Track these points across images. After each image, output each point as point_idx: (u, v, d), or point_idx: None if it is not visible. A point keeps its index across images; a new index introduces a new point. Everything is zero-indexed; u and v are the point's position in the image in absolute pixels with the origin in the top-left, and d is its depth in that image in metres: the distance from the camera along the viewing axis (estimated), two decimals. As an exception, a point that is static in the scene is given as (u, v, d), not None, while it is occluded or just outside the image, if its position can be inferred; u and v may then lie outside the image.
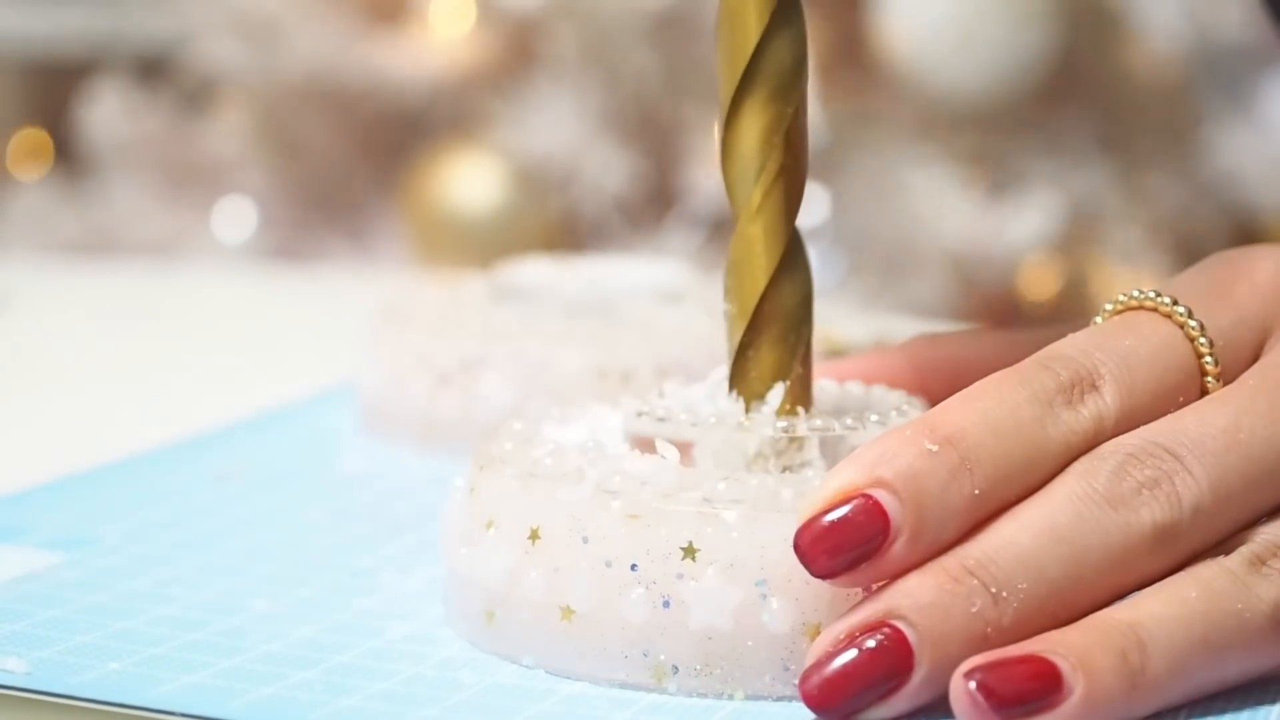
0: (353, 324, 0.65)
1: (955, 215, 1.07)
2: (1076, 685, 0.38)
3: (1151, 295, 0.44)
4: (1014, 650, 0.39)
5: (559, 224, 1.09)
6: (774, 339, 0.44)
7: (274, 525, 0.51)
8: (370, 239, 1.14)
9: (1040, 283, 1.09)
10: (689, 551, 0.40)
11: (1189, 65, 1.13)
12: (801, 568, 0.40)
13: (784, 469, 0.43)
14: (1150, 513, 0.40)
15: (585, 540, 0.41)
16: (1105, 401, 0.42)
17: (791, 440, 0.43)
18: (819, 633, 0.40)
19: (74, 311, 0.90)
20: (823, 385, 0.46)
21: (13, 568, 0.47)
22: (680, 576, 0.40)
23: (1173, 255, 1.10)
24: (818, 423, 0.43)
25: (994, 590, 0.39)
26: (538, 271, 0.63)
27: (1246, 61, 1.10)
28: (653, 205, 1.09)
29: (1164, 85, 1.13)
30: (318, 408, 0.64)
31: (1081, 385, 0.42)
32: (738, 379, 0.44)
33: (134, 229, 1.14)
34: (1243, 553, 0.41)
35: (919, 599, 0.39)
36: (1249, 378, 0.43)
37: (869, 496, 0.39)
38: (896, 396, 0.46)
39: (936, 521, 0.39)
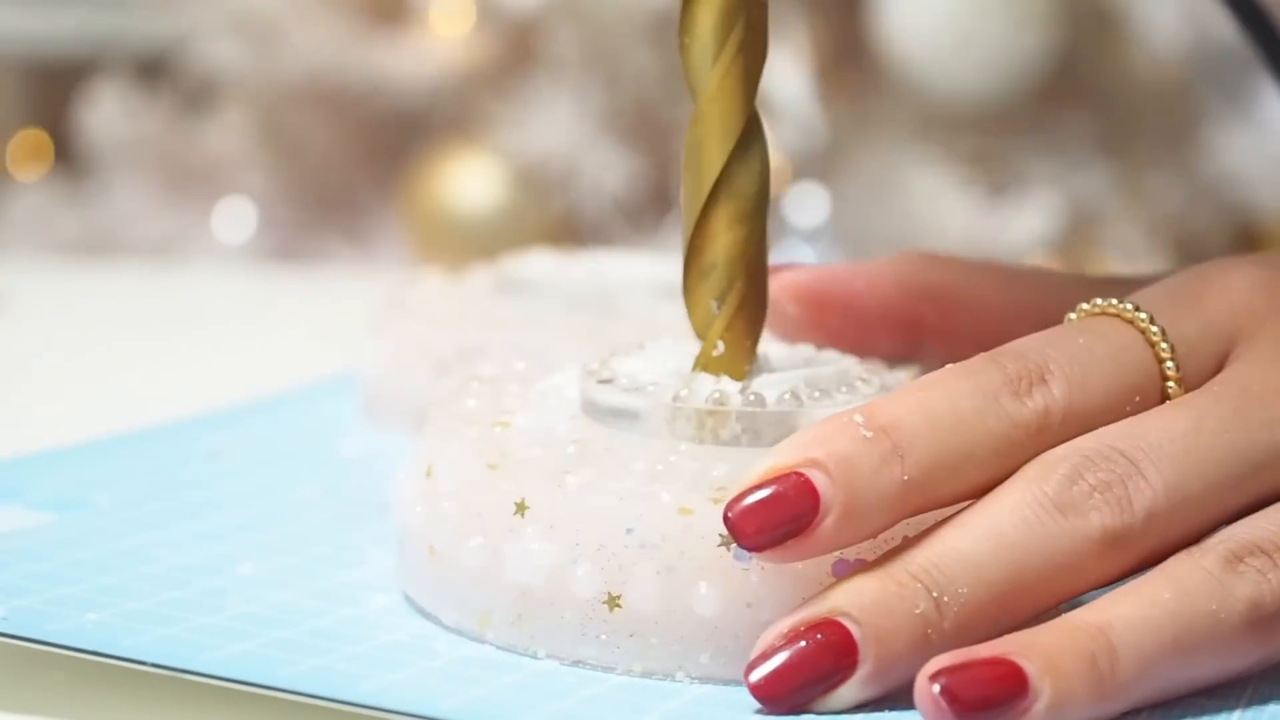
0: (353, 324, 0.65)
1: (955, 215, 1.07)
2: (1043, 690, 0.38)
3: (1114, 302, 0.44)
4: (982, 651, 0.39)
5: (559, 223, 1.09)
6: (729, 220, 0.44)
7: (265, 500, 0.52)
8: (370, 239, 1.14)
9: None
10: (520, 507, 0.42)
11: (1189, 66, 1.13)
12: (614, 538, 0.41)
13: (701, 441, 0.44)
14: (1100, 518, 0.40)
15: (455, 484, 0.43)
16: (1053, 395, 0.42)
17: (710, 414, 0.44)
18: (619, 604, 0.41)
19: (74, 311, 0.90)
20: (770, 350, 0.47)
21: (0, 524, 0.48)
22: (510, 530, 0.42)
23: (1173, 255, 1.09)
24: (715, 397, 0.44)
25: (935, 594, 0.39)
26: (540, 264, 0.63)
27: (1246, 62, 1.10)
28: (653, 205, 1.09)
29: (1164, 86, 1.13)
30: (318, 394, 0.65)
31: (1029, 378, 0.42)
32: (692, 262, 0.45)
33: (134, 229, 1.13)
34: (1219, 550, 0.41)
35: (862, 598, 0.40)
36: (1213, 384, 0.43)
37: (800, 474, 0.40)
38: (847, 365, 0.47)
39: (866, 504, 0.40)
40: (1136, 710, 0.39)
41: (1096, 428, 0.41)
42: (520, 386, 0.46)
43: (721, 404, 0.43)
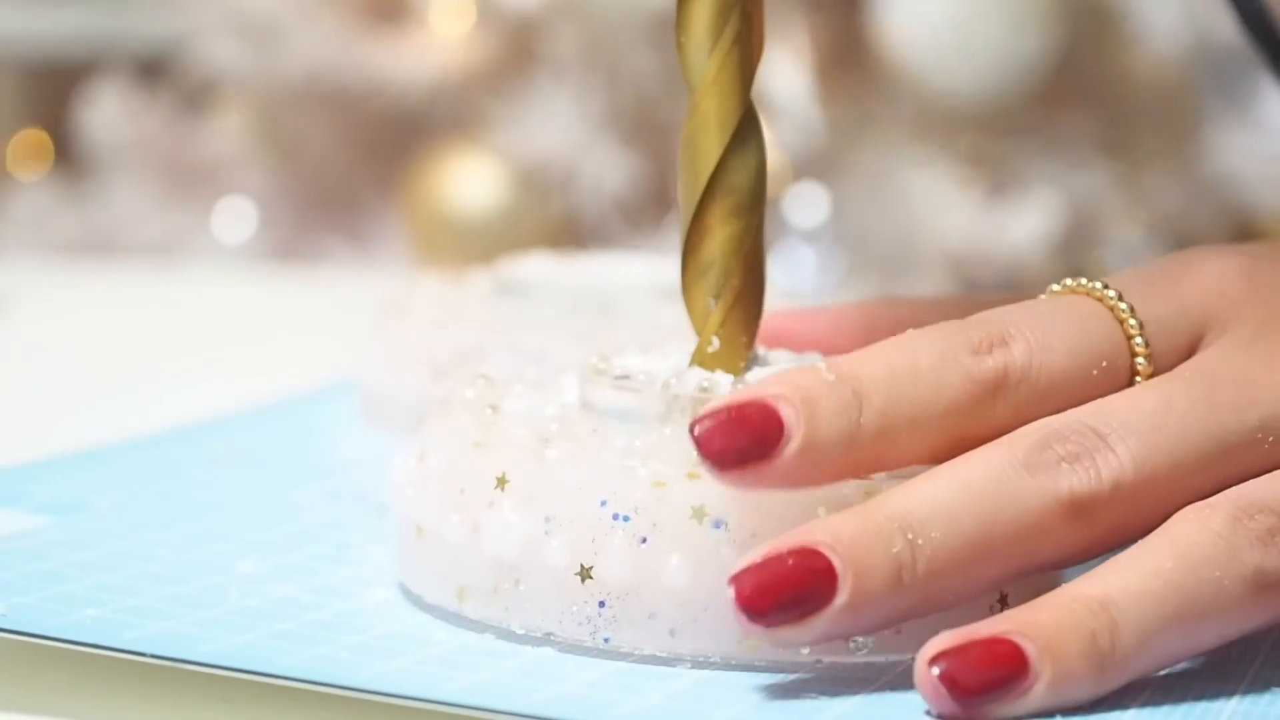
0: (353, 324, 0.65)
1: (955, 215, 1.07)
2: (1043, 671, 0.39)
3: (1083, 281, 0.45)
4: (982, 630, 0.39)
5: (559, 224, 1.09)
6: (726, 214, 0.45)
7: (265, 501, 0.52)
8: (370, 239, 1.14)
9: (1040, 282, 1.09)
10: (501, 481, 0.42)
11: (1189, 66, 1.13)
12: (588, 509, 0.41)
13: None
14: (1068, 482, 0.41)
15: (444, 464, 0.43)
16: (1013, 355, 0.43)
17: (703, 405, 0.44)
18: (591, 576, 0.41)
19: (74, 311, 0.90)
20: (775, 355, 0.47)
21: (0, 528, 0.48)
22: (489, 505, 0.42)
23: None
24: (704, 385, 0.44)
25: (910, 536, 0.40)
26: (539, 267, 0.63)
27: (1246, 62, 1.10)
28: (653, 206, 1.09)
29: (1164, 86, 1.13)
30: (319, 399, 0.65)
31: (991, 340, 0.43)
32: (689, 257, 0.45)
33: (134, 229, 1.14)
34: (1226, 508, 0.41)
35: (841, 533, 0.40)
36: (1184, 369, 0.43)
37: (765, 401, 0.41)
38: None
39: (826, 441, 0.40)
40: (1137, 692, 0.40)
41: (1060, 392, 0.42)
42: (525, 388, 0.46)
43: (709, 392, 0.43)
